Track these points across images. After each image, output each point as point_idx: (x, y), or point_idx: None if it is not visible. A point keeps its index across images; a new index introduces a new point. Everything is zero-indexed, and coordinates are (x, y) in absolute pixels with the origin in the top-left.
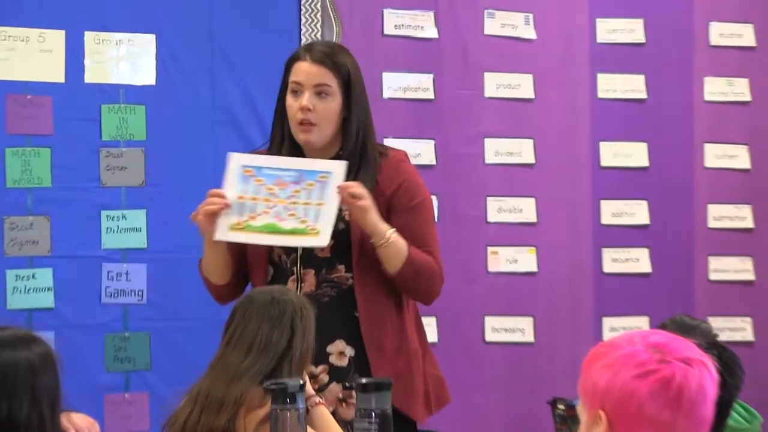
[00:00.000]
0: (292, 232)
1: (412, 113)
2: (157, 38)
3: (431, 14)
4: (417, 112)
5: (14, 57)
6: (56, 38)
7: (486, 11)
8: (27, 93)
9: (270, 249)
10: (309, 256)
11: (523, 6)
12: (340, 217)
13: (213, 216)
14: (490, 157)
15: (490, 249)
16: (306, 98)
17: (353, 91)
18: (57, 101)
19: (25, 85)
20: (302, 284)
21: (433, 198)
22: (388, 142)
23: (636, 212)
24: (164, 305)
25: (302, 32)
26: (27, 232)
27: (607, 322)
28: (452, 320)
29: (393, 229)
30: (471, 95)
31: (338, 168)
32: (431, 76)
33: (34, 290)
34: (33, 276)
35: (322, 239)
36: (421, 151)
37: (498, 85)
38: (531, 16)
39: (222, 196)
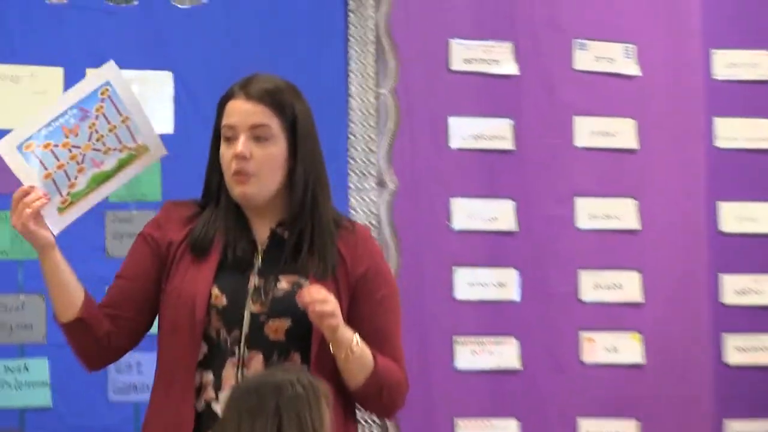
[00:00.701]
0: (121, 166)
1: (486, 167)
2: (174, 76)
3: (509, 46)
4: (492, 165)
5: (1, 99)
6: (52, 77)
7: (576, 41)
8: None
9: (207, 321)
10: (258, 335)
11: (622, 35)
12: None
13: (39, 216)
14: (583, 221)
15: (583, 335)
16: (241, 143)
17: (300, 133)
18: None
19: None
20: (246, 371)
21: (515, 273)
22: (457, 202)
23: (765, 290)
24: None
25: (350, 68)
26: (17, 314)
27: (731, 427)
28: (539, 423)
29: (357, 338)
30: (559, 144)
31: (109, 71)
32: (510, 121)
33: (26, 385)
34: (25, 367)
35: (156, 150)
36: (497, 214)
37: (592, 131)
38: (632, 47)
39: (30, 190)
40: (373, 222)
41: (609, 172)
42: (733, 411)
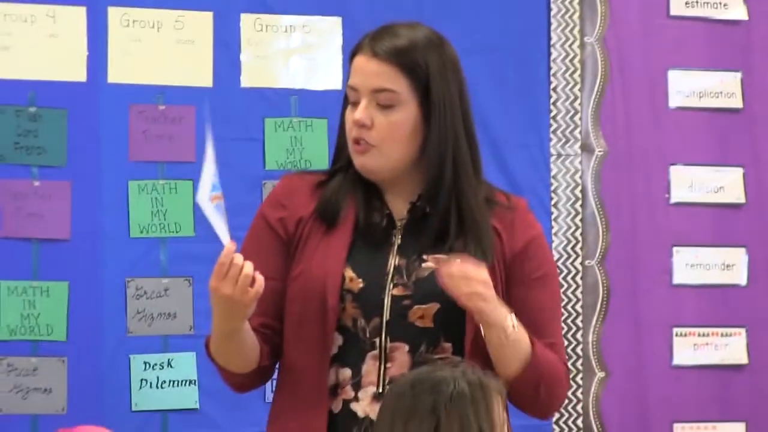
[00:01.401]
0: None
1: (711, 129)
2: (344, 23)
3: None
4: (719, 126)
5: (141, 51)
6: (200, 23)
7: None
8: (160, 102)
9: (341, 308)
10: (401, 323)
11: None
12: None
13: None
14: None
15: None
16: (361, 109)
17: (434, 98)
18: (202, 113)
19: (157, 91)
20: (389, 364)
21: (743, 252)
22: (676, 170)
23: None
24: None
25: (551, 13)
26: (161, 300)
27: None
28: None
29: (513, 319)
30: None
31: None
32: (738, 74)
33: (170, 384)
34: (169, 363)
35: None
36: (723, 184)
37: None
38: None
39: (239, 259)
40: (577, 193)
41: None
42: None
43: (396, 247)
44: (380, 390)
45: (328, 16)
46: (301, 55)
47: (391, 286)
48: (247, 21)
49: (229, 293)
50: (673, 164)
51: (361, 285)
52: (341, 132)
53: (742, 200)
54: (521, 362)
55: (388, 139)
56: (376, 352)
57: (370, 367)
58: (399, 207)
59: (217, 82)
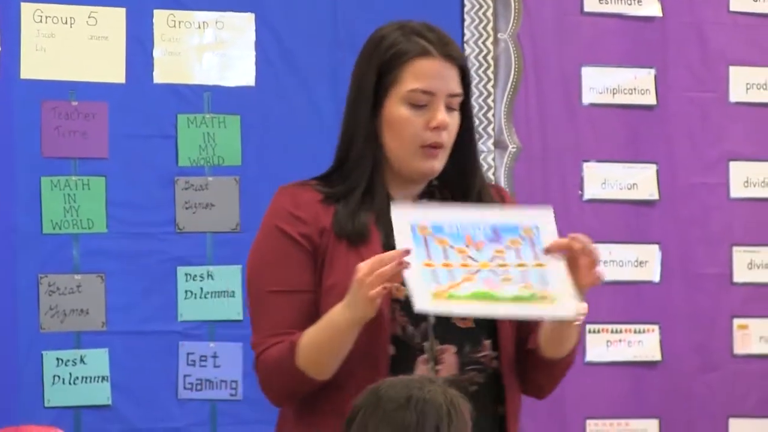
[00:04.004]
0: (517, 299)
1: (625, 125)
2: (257, 19)
3: None
4: (631, 123)
5: (54, 46)
6: (113, 19)
7: None
8: (72, 98)
9: (391, 318)
10: (446, 326)
11: None
12: None
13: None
14: (737, 189)
15: (737, 322)
16: (442, 112)
17: (469, 92)
18: (114, 110)
19: (69, 87)
20: (438, 367)
21: (656, 249)
22: (590, 167)
23: None
24: (267, 402)
25: (465, 9)
26: (72, 297)
27: None
28: (684, 424)
29: None
30: (710, 99)
31: (546, 219)
32: (652, 71)
33: (83, 380)
34: (81, 359)
35: (565, 308)
36: (637, 181)
37: (749, 84)
38: None
39: (400, 259)
40: None
41: None
42: None
43: None
44: None
45: (241, 12)
46: (214, 51)
47: None
48: (160, 17)
49: (371, 288)
50: (586, 161)
51: (406, 292)
52: (366, 136)
53: (656, 197)
54: (573, 342)
55: (451, 140)
56: (425, 356)
57: (422, 371)
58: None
59: (130, 78)
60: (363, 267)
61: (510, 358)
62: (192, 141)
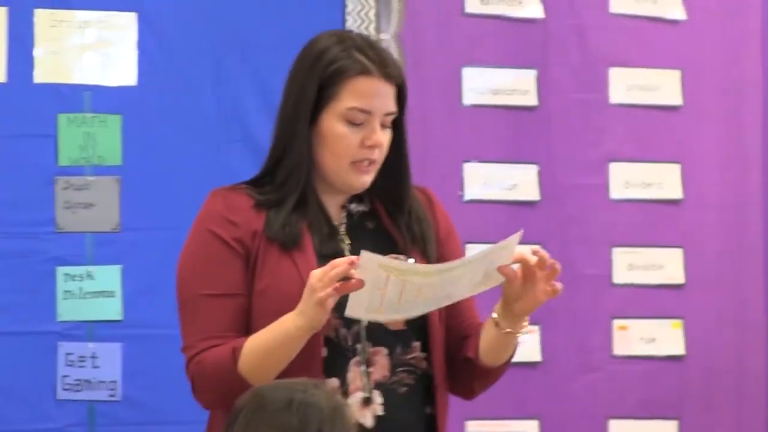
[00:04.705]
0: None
1: (506, 126)
2: (139, 18)
3: None
4: (513, 124)
5: None
6: None
7: None
8: None
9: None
10: (378, 328)
11: None
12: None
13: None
14: (617, 190)
15: (616, 323)
16: (378, 132)
17: (404, 108)
18: None
19: None
20: (370, 369)
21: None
22: (471, 168)
23: None
24: (147, 403)
25: (348, 10)
26: None
27: None
28: (563, 425)
29: None
30: (591, 100)
31: (511, 241)
32: (534, 72)
33: None
34: None
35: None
36: (517, 181)
37: (630, 86)
38: None
39: (347, 265)
40: None
41: (649, 133)
42: None
43: (347, 251)
44: (368, 394)
45: (124, 12)
46: (95, 50)
47: None
48: (41, 16)
49: (322, 296)
50: (467, 161)
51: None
52: (296, 149)
53: (537, 198)
54: (513, 350)
55: (383, 155)
56: (358, 358)
57: (354, 373)
58: (333, 211)
59: (11, 77)
60: (316, 273)
61: (440, 360)
62: (72, 140)
